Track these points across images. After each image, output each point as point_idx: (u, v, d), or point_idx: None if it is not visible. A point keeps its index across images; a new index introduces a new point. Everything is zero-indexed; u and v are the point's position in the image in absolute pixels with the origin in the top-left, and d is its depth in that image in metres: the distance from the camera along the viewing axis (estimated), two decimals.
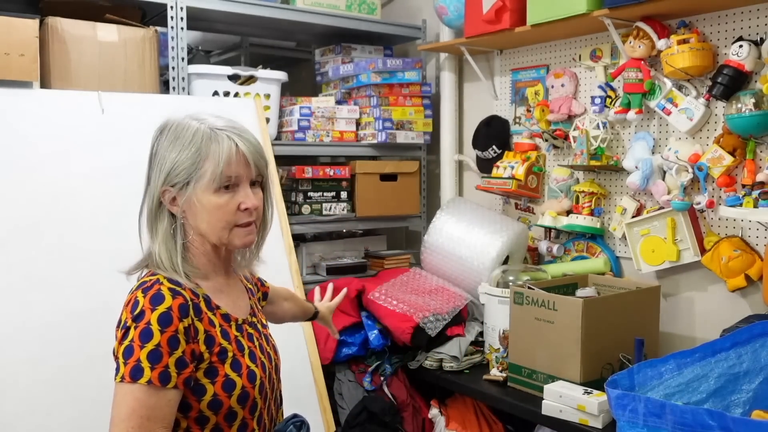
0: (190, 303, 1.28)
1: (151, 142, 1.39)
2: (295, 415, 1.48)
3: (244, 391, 1.31)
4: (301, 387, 2.32)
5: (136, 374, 1.20)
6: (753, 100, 1.99)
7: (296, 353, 2.33)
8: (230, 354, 1.32)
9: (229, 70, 2.67)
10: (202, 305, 1.32)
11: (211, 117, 1.36)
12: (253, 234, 1.38)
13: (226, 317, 1.36)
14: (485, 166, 2.90)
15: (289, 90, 3.07)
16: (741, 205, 1.97)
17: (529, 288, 2.12)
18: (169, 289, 1.28)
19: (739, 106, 2.02)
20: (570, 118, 2.59)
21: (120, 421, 1.20)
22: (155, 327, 1.22)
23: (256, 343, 1.41)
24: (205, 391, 1.28)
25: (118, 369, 1.22)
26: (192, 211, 1.33)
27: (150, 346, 1.21)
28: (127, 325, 1.24)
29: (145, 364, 1.20)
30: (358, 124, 2.99)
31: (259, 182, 1.38)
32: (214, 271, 1.40)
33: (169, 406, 1.24)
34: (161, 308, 1.24)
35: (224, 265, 1.43)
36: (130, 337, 1.22)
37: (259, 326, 1.47)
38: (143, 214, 1.41)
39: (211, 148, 1.30)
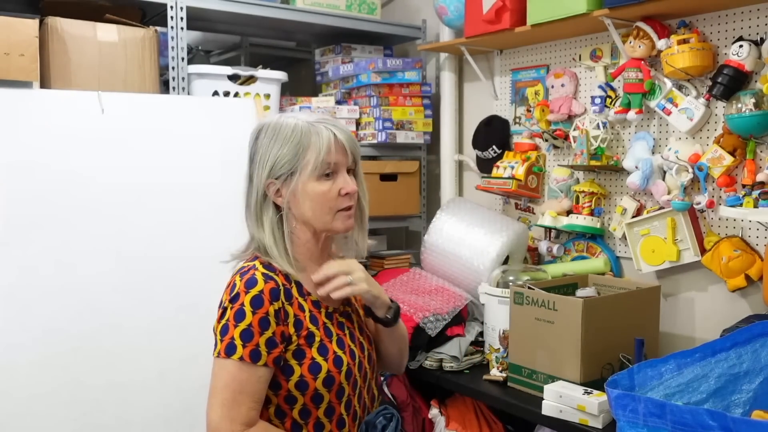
0: (281, 288, 1.40)
1: (249, 145, 1.52)
2: (386, 407, 1.53)
3: (329, 374, 1.39)
4: None
5: (230, 351, 1.34)
6: (753, 100, 1.99)
7: None
8: (317, 339, 1.42)
9: (229, 70, 2.67)
10: (294, 291, 1.43)
11: (303, 114, 1.49)
12: (352, 219, 1.49)
13: (316, 304, 1.46)
14: (485, 166, 2.90)
15: (289, 90, 3.07)
16: (741, 205, 1.97)
17: (529, 288, 2.12)
18: (263, 274, 1.40)
19: (739, 106, 2.02)
20: (570, 118, 2.59)
21: (216, 392, 1.34)
22: (248, 308, 1.35)
23: (347, 332, 1.49)
24: (293, 371, 1.39)
25: (215, 345, 1.37)
26: (296, 201, 1.44)
27: (243, 325, 1.34)
28: (225, 305, 1.39)
29: (238, 342, 1.33)
30: (358, 124, 2.98)
31: (353, 170, 1.50)
32: (311, 259, 1.50)
33: (260, 383, 1.36)
34: (254, 291, 1.37)
35: (321, 254, 1.52)
36: (226, 317, 1.37)
37: (353, 316, 1.56)
38: (249, 207, 1.50)
39: (312, 140, 1.42)
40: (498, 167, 2.76)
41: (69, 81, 2.32)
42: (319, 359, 1.40)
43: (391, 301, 1.59)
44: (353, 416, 1.46)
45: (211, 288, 2.22)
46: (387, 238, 3.20)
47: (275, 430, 1.39)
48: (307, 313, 1.43)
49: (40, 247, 2.04)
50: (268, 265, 1.43)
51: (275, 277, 1.41)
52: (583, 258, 2.56)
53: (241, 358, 1.33)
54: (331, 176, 1.44)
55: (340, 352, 1.44)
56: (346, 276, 1.45)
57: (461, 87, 3.14)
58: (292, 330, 1.39)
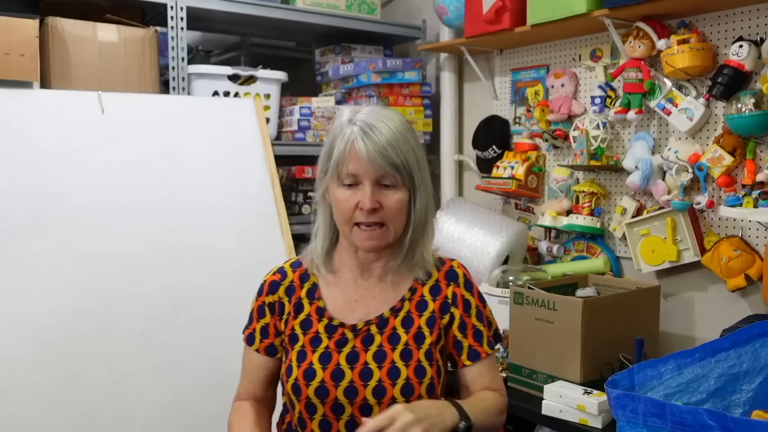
0: (285, 283, 1.40)
1: None
2: None
3: (296, 383, 1.33)
4: None
5: (244, 329, 1.44)
6: (753, 100, 1.99)
7: None
8: (299, 343, 1.36)
9: (229, 70, 2.67)
10: (302, 291, 1.40)
11: (365, 108, 1.33)
12: (375, 240, 1.30)
13: (320, 311, 1.38)
14: (485, 166, 2.90)
15: (289, 90, 3.06)
16: (741, 205, 1.97)
17: (529, 288, 2.12)
18: (280, 268, 1.44)
19: (739, 106, 2.01)
20: (570, 118, 2.59)
21: None
22: (255, 295, 1.43)
23: (345, 351, 1.34)
24: (281, 366, 1.42)
25: None
26: (332, 203, 1.36)
27: (251, 309, 1.44)
28: None
29: (247, 323, 1.44)
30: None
31: (393, 185, 1.29)
32: (349, 269, 1.40)
33: (252, 365, 1.43)
34: (263, 280, 1.43)
35: (360, 264, 1.38)
36: None
37: (377, 337, 1.34)
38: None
39: (336, 143, 1.31)
40: (498, 167, 2.76)
41: (69, 81, 2.32)
42: (294, 364, 1.34)
43: (461, 420, 1.25)
44: None
45: (211, 288, 2.23)
46: None
47: (246, 413, 1.39)
48: (303, 316, 1.38)
49: (40, 247, 2.04)
50: (299, 259, 1.44)
51: (288, 271, 1.42)
52: (583, 258, 2.56)
53: (245, 338, 1.43)
54: (353, 186, 1.29)
55: (317, 367, 1.32)
56: None
57: (461, 87, 3.14)
58: (283, 326, 1.39)
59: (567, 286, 2.28)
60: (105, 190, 2.18)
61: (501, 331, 1.49)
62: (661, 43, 2.19)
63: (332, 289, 1.39)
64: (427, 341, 1.34)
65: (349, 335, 1.35)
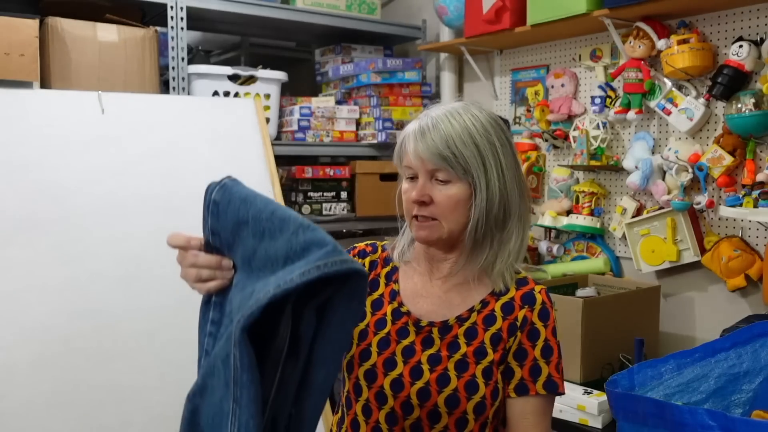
0: (373, 257, 1.41)
1: None
2: None
3: (351, 359, 1.31)
4: None
5: None
6: (753, 100, 1.99)
7: None
8: (366, 322, 1.33)
9: (229, 70, 2.67)
10: (382, 270, 1.40)
11: (443, 105, 1.32)
12: (425, 230, 1.28)
13: (393, 293, 1.36)
14: None
15: (289, 90, 3.07)
16: (741, 205, 1.97)
17: None
18: (373, 242, 1.44)
19: (739, 106, 2.01)
20: (570, 118, 2.59)
21: None
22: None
23: (404, 343, 1.30)
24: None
25: None
26: None
27: None
28: None
29: None
30: (358, 124, 2.98)
31: (448, 180, 1.26)
32: (419, 263, 1.39)
33: None
34: (353, 246, 1.44)
35: (427, 261, 1.37)
36: None
37: (437, 341, 1.29)
38: None
39: (401, 136, 1.32)
40: None
41: (69, 81, 2.32)
42: (355, 338, 1.32)
43: None
44: (371, 423, 1.29)
45: None
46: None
47: None
48: (376, 295, 1.37)
49: (40, 247, 2.04)
50: (387, 245, 1.42)
51: (379, 248, 1.43)
52: (583, 258, 2.56)
53: None
54: (414, 179, 1.29)
55: (374, 350, 1.30)
56: None
57: (461, 87, 3.14)
58: None
59: (567, 286, 2.28)
60: (105, 190, 2.18)
61: (563, 389, 1.31)
62: (661, 43, 2.19)
63: (406, 278, 1.38)
64: (489, 358, 1.27)
65: (411, 329, 1.31)
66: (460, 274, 1.33)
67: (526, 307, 1.31)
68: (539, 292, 1.34)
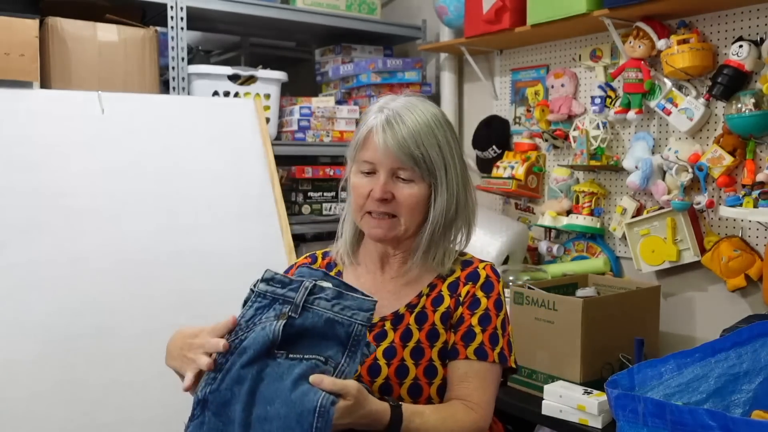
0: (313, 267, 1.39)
1: None
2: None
3: None
4: None
5: None
6: (753, 100, 1.99)
7: None
8: None
9: (229, 70, 2.67)
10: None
11: (401, 98, 1.31)
12: (383, 229, 1.28)
13: None
14: (485, 166, 2.90)
15: (289, 90, 3.06)
16: (741, 205, 1.97)
17: (529, 288, 2.12)
18: (312, 253, 1.44)
19: (739, 106, 2.01)
20: (570, 118, 2.59)
21: None
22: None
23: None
24: None
25: None
26: (349, 190, 1.34)
27: None
28: None
29: None
30: (357, 124, 2.98)
31: (410, 179, 1.27)
32: (371, 260, 1.38)
33: None
34: (293, 263, 1.45)
35: (379, 258, 1.37)
36: None
37: (390, 333, 1.29)
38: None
39: (361, 129, 1.30)
40: (498, 167, 2.76)
41: (69, 81, 2.32)
42: None
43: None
44: None
45: (211, 288, 2.23)
46: None
47: None
48: None
49: (40, 247, 2.04)
50: (329, 250, 1.42)
51: (319, 257, 1.43)
52: (583, 258, 2.56)
53: None
54: (371, 174, 1.28)
55: None
56: None
57: (461, 87, 3.14)
58: None
59: (567, 286, 2.28)
60: (104, 190, 2.18)
61: (514, 363, 1.33)
62: (661, 43, 2.19)
63: (354, 279, 1.37)
64: (441, 339, 1.29)
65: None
66: (412, 269, 1.35)
67: (470, 283, 1.35)
68: (483, 268, 1.38)
